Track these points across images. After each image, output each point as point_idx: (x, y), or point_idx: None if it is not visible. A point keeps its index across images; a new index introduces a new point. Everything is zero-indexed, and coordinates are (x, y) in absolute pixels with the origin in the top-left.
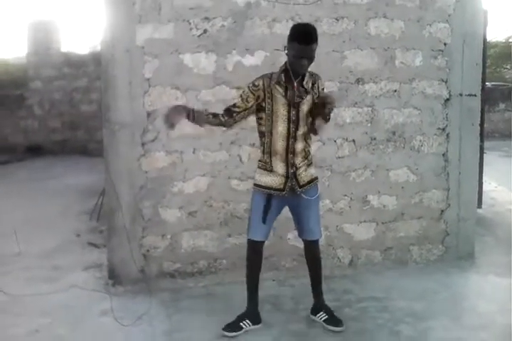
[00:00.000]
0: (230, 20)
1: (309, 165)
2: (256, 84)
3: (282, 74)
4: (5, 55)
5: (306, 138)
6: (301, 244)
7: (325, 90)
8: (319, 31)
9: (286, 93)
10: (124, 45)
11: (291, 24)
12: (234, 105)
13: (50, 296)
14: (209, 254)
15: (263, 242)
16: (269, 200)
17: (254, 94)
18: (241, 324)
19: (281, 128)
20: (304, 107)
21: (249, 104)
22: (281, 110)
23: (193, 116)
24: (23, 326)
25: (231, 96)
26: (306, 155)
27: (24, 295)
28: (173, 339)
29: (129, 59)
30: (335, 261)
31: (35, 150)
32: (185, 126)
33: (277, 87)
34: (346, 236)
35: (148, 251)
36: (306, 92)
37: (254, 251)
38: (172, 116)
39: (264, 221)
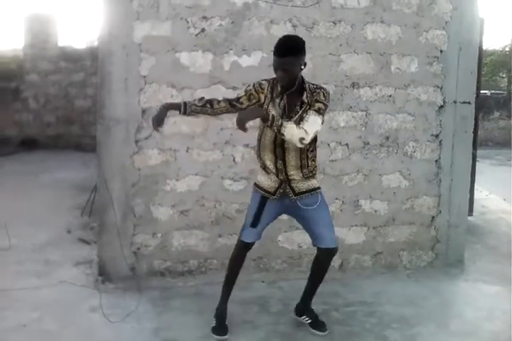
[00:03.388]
0: (227, 20)
1: (309, 177)
2: (262, 86)
3: (278, 86)
4: (1, 47)
5: (302, 151)
6: (290, 246)
7: (320, 105)
8: (316, 34)
9: (280, 105)
10: (121, 41)
11: (288, 26)
12: (238, 100)
13: (39, 291)
14: (199, 254)
15: (253, 243)
16: (263, 204)
17: (258, 94)
18: (226, 323)
19: (269, 135)
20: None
21: (251, 102)
22: None
23: (184, 110)
24: (11, 320)
25: (227, 96)
26: (303, 165)
27: (13, 289)
28: (160, 337)
29: (125, 55)
30: None
31: (29, 144)
32: (180, 124)
33: (276, 97)
34: (337, 240)
35: (138, 248)
36: (301, 108)
37: (243, 251)
38: (156, 119)
39: (254, 225)
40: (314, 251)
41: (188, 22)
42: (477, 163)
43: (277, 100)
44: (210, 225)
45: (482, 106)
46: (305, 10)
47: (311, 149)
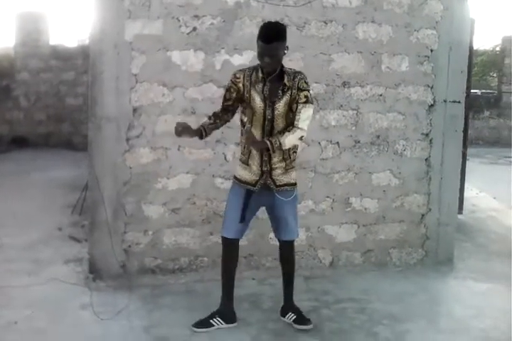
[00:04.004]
0: (219, 19)
1: (289, 168)
2: (237, 76)
3: (260, 72)
4: None
5: None
6: None
7: (305, 93)
8: (308, 34)
9: (263, 91)
10: (112, 40)
11: None
12: (225, 100)
13: (30, 289)
14: (190, 251)
15: (238, 239)
16: (248, 198)
17: (236, 85)
18: (211, 321)
19: (257, 124)
20: (281, 107)
21: (234, 95)
22: (258, 107)
23: (206, 134)
24: (2, 317)
25: (218, 94)
26: (286, 157)
27: (4, 286)
28: (151, 334)
29: (116, 54)
30: (315, 261)
31: (19, 142)
32: (171, 123)
33: (256, 84)
34: (327, 237)
35: (129, 246)
36: (283, 92)
37: (229, 248)
38: (180, 132)
39: (241, 220)
40: (305, 248)
41: (179, 21)
42: (467, 162)
43: (260, 85)
44: (201, 223)
45: (472, 106)
46: (297, 9)
47: None
